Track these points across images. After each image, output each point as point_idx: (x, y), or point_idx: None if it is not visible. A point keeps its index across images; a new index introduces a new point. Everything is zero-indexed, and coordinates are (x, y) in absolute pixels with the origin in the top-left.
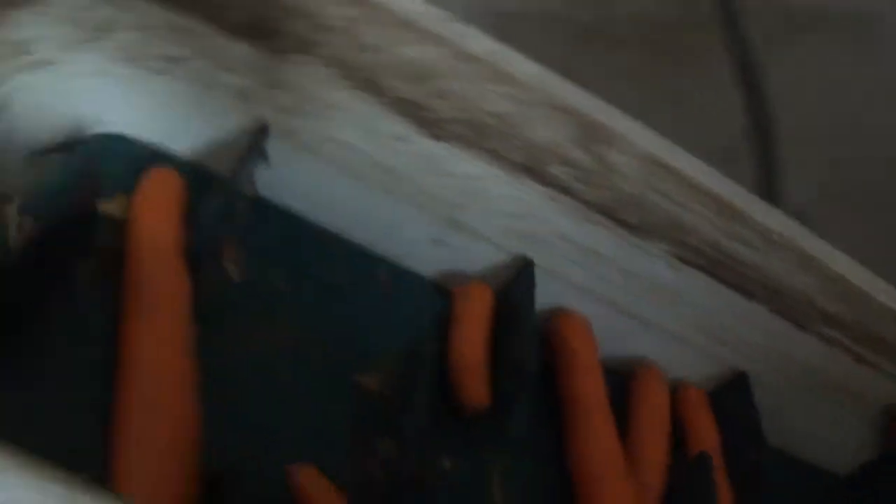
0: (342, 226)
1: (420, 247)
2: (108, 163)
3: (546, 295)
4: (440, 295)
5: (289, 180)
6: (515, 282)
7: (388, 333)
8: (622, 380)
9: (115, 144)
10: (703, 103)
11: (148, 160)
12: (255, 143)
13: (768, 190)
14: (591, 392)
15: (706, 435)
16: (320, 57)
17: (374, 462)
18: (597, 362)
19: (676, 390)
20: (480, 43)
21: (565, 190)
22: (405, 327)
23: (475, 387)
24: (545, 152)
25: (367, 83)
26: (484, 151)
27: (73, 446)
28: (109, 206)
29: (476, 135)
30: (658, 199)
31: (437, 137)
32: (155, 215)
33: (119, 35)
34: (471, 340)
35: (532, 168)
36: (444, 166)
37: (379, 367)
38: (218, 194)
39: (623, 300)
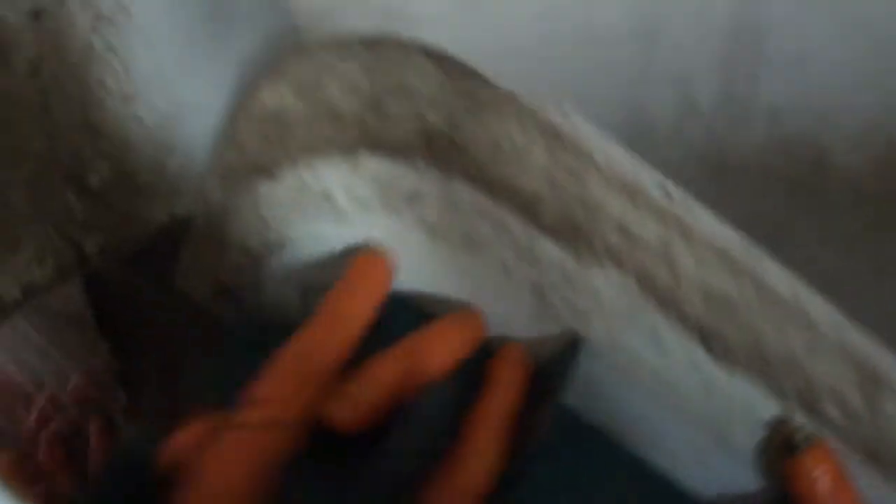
0: (603, 421)
1: (682, 458)
2: (389, 323)
3: None
4: None
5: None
6: None
7: None
8: None
9: (398, 307)
10: None
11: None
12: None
13: None
14: (347, 307)
15: (501, 389)
16: (625, 268)
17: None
18: (376, 294)
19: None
20: (783, 281)
21: (832, 427)
22: None
23: None
24: (822, 390)
25: (667, 301)
26: (764, 382)
27: None
28: None
29: (760, 365)
30: None
31: (723, 364)
32: None
33: (424, 207)
34: None
35: (806, 402)
36: (723, 389)
37: None
38: None
39: None
